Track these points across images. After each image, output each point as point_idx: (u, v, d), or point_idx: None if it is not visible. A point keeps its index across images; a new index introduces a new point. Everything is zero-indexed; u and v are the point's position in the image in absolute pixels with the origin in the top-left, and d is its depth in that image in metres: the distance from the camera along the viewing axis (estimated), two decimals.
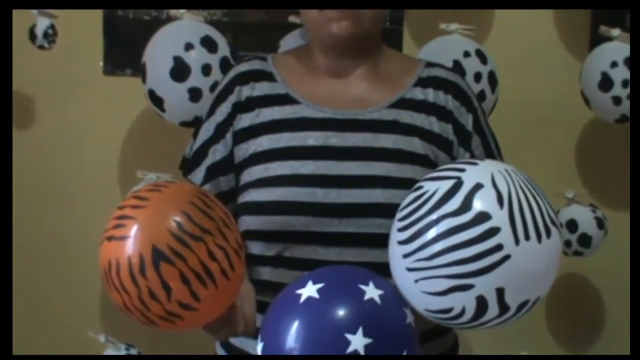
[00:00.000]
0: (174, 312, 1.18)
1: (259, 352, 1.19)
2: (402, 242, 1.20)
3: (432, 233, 1.16)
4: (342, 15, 1.42)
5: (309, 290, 1.18)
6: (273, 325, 1.19)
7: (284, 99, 1.50)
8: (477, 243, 1.13)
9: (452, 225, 1.14)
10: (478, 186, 1.16)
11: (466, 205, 1.15)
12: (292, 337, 1.15)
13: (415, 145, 1.45)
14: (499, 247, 1.13)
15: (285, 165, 1.44)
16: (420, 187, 1.22)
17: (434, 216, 1.16)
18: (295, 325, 1.16)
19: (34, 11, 2.24)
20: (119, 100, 2.47)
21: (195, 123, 2.08)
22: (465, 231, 1.14)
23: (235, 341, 1.51)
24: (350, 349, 1.12)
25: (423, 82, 1.52)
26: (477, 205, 1.15)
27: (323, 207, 1.41)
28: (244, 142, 1.49)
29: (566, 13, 2.55)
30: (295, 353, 1.14)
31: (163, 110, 2.13)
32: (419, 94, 1.50)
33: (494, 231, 1.13)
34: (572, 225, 2.37)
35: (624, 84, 2.23)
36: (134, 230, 1.17)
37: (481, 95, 2.15)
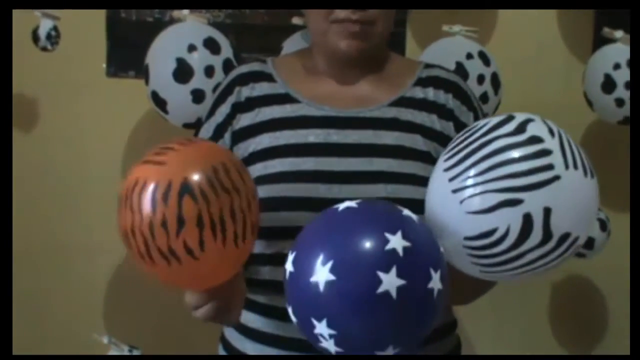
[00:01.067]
0: (176, 252, 1.16)
1: (289, 263, 1.17)
2: (449, 168, 1.23)
3: (484, 151, 1.19)
4: (354, 35, 1.42)
5: (347, 204, 1.19)
6: (308, 232, 1.19)
7: (284, 98, 1.50)
8: (530, 159, 1.16)
9: (506, 143, 1.18)
10: (529, 120, 1.21)
11: (520, 129, 1.19)
12: (330, 238, 1.14)
13: (417, 142, 1.45)
14: (550, 167, 1.16)
15: (286, 163, 1.44)
16: (472, 126, 1.26)
17: (486, 138, 1.20)
18: (332, 227, 1.16)
19: (37, 13, 2.25)
20: (122, 102, 2.48)
21: (198, 125, 2.09)
22: (519, 148, 1.17)
23: (236, 343, 1.51)
24: (389, 246, 1.11)
25: (423, 82, 1.52)
26: (531, 130, 1.19)
27: (325, 202, 1.40)
28: (243, 142, 1.49)
29: (569, 14, 2.55)
30: (333, 251, 1.12)
31: (166, 111, 2.14)
32: (419, 92, 1.50)
33: (546, 152, 1.17)
34: None
35: (627, 85, 2.23)
36: (172, 159, 1.18)
37: (484, 97, 2.16)
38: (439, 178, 1.24)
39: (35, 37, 2.27)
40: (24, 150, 2.42)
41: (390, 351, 1.13)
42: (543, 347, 2.66)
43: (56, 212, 2.53)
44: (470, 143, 1.21)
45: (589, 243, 2.37)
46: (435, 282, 1.13)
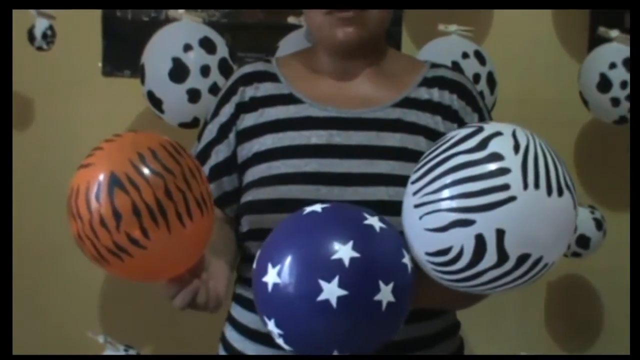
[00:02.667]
0: (122, 246, 1.15)
1: (255, 259, 1.21)
2: (414, 181, 1.22)
3: (442, 168, 1.17)
4: (348, 21, 1.42)
5: (314, 207, 1.22)
6: (273, 232, 1.23)
7: (288, 99, 1.50)
8: (484, 179, 1.13)
9: (463, 160, 1.16)
10: (497, 133, 1.18)
11: (481, 146, 1.16)
12: (284, 239, 1.18)
13: (420, 143, 1.45)
14: (505, 187, 1.13)
15: (289, 164, 1.43)
16: (444, 137, 1.24)
17: (447, 153, 1.18)
18: (289, 231, 1.20)
19: (33, 12, 2.24)
20: (118, 101, 2.47)
21: (194, 124, 2.09)
22: (475, 167, 1.14)
23: (236, 344, 1.50)
24: (335, 256, 1.13)
25: (428, 82, 1.51)
26: (492, 147, 1.16)
27: None
28: (247, 142, 1.49)
29: (565, 14, 2.55)
30: (283, 254, 1.16)
31: (162, 111, 2.13)
32: (424, 93, 1.50)
33: (503, 171, 1.14)
34: None
35: (623, 85, 2.23)
36: (98, 158, 1.19)
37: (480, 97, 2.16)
38: (407, 190, 1.24)
39: (31, 37, 2.27)
40: (20, 149, 2.41)
41: (336, 353, 1.16)
42: (539, 347, 2.66)
43: (51, 210, 2.52)
44: (434, 157, 1.20)
45: (585, 242, 2.37)
46: (385, 295, 1.14)
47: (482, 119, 1.52)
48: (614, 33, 2.30)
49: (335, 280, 1.11)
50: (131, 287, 2.53)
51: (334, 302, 1.11)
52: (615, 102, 2.27)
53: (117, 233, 1.15)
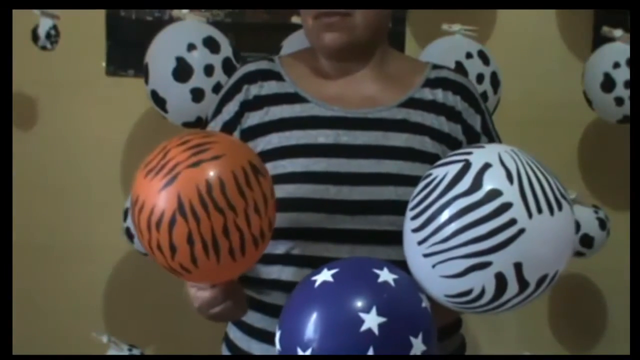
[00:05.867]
0: (174, 269, 1.20)
1: (277, 340, 1.19)
2: (416, 230, 1.21)
3: (445, 215, 1.16)
4: (332, 27, 1.43)
5: (324, 276, 1.18)
6: (289, 311, 1.20)
7: (293, 98, 1.49)
8: (490, 219, 1.14)
9: (464, 205, 1.15)
10: (487, 166, 1.17)
11: (476, 185, 1.16)
12: (307, 320, 1.15)
13: (426, 144, 1.45)
14: (512, 222, 1.14)
15: (296, 163, 1.43)
16: (429, 175, 1.23)
17: (445, 199, 1.17)
18: (309, 309, 1.16)
19: (37, 12, 2.25)
20: (122, 101, 2.48)
21: (198, 123, 2.09)
22: (478, 209, 1.14)
23: (241, 344, 1.50)
24: (364, 327, 1.11)
25: (431, 83, 1.51)
26: (487, 183, 1.16)
27: (335, 204, 1.40)
28: (251, 141, 1.48)
29: (568, 14, 2.55)
30: (311, 336, 1.14)
31: (166, 110, 2.14)
32: (427, 94, 1.50)
33: (506, 206, 1.14)
34: None
35: (627, 84, 2.23)
36: (170, 177, 1.16)
37: (483, 97, 2.15)
38: (410, 238, 1.23)
39: (35, 36, 2.27)
40: (24, 149, 2.42)
41: None
42: (542, 347, 2.66)
43: (55, 210, 2.53)
44: (432, 203, 1.19)
45: (588, 242, 2.37)
46: (418, 347, 1.14)
47: (484, 120, 1.53)
48: (618, 33, 2.30)
49: (370, 351, 1.11)
50: (135, 286, 2.54)
51: None
52: (619, 101, 2.26)
53: (172, 261, 1.18)
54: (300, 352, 1.14)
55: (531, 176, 1.18)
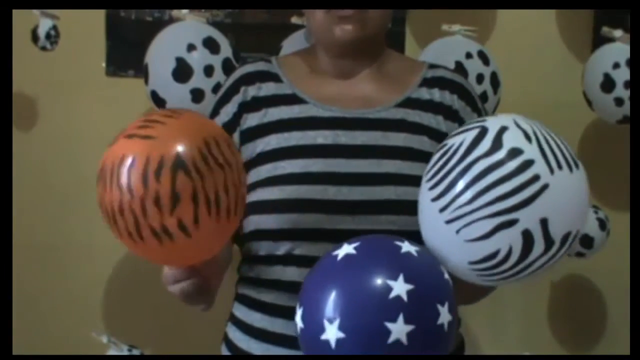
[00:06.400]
0: (168, 230, 1.12)
1: (298, 318, 1.17)
2: (436, 198, 1.20)
3: (467, 177, 1.17)
4: (347, 20, 1.42)
5: (346, 249, 1.17)
6: (311, 286, 1.18)
7: (291, 99, 1.50)
8: (514, 176, 1.15)
9: (486, 165, 1.16)
10: (503, 129, 1.19)
11: (497, 145, 1.17)
12: (333, 293, 1.13)
13: (424, 143, 1.45)
14: (536, 178, 1.15)
15: (295, 164, 1.43)
16: (444, 145, 1.23)
17: (465, 162, 1.18)
18: (334, 281, 1.15)
19: (37, 12, 2.25)
20: (122, 101, 2.48)
21: None
22: (501, 167, 1.15)
23: (241, 344, 1.50)
24: (392, 294, 1.11)
25: (428, 83, 1.52)
26: (507, 143, 1.17)
27: (335, 204, 1.40)
28: (250, 142, 1.49)
29: (569, 14, 2.55)
30: (338, 308, 1.12)
31: None
32: (425, 94, 1.50)
33: (528, 163, 1.15)
34: None
35: (626, 85, 2.23)
36: (161, 133, 1.13)
37: (483, 97, 2.16)
38: (429, 208, 1.23)
39: (35, 37, 2.27)
40: (24, 150, 2.42)
41: None
42: (542, 347, 2.66)
43: (55, 210, 2.53)
44: (452, 169, 1.19)
45: (588, 242, 2.37)
46: (444, 316, 1.14)
47: None
48: (618, 33, 2.30)
49: (400, 318, 1.10)
50: (135, 287, 2.54)
51: (404, 340, 1.10)
52: (619, 101, 2.27)
53: (170, 216, 1.11)
54: (327, 326, 1.12)
55: (547, 137, 1.20)
